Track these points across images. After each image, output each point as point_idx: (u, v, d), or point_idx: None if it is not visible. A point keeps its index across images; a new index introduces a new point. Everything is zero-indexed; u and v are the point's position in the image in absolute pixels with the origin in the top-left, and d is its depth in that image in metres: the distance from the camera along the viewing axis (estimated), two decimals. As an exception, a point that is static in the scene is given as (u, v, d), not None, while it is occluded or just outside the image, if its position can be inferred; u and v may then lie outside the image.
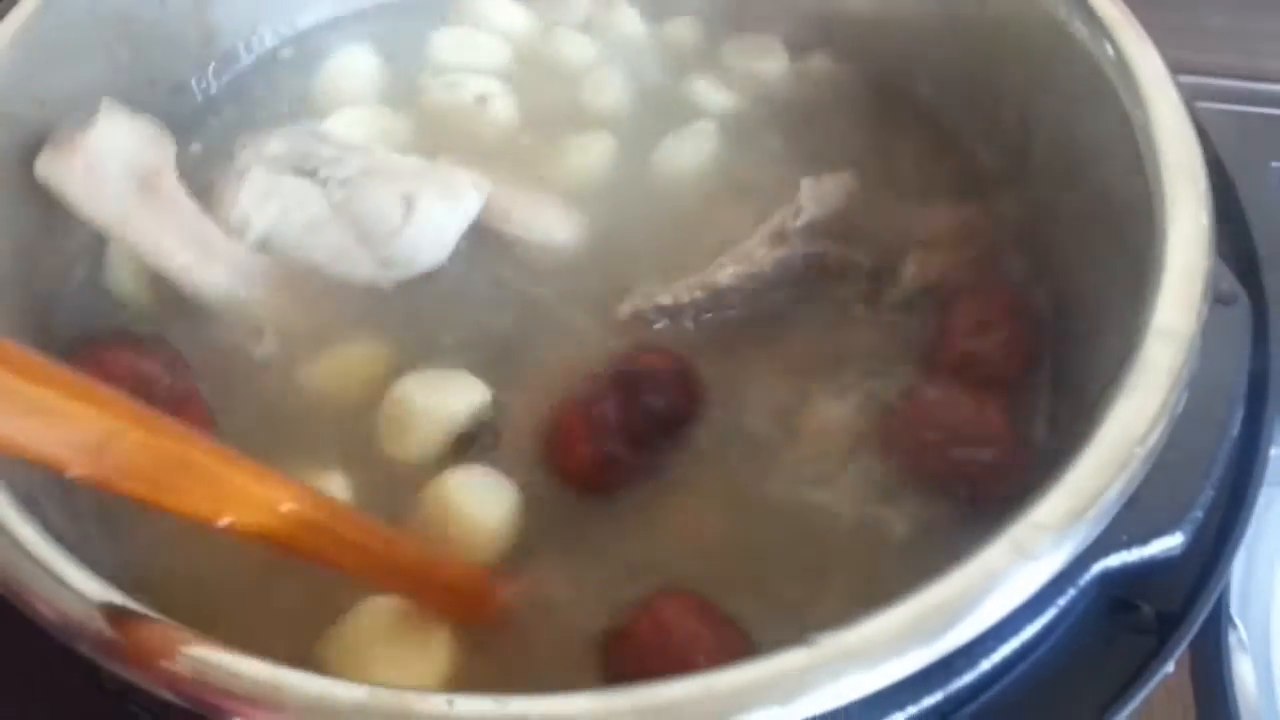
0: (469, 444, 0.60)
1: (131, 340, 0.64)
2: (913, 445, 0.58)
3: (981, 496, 0.56)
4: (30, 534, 0.46)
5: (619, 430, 0.57)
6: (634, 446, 0.58)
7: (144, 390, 0.55)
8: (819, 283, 0.63)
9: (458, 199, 0.67)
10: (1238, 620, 0.79)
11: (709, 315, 0.62)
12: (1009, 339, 0.62)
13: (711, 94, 0.78)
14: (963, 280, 0.64)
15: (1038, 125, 0.68)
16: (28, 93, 0.66)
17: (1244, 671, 0.77)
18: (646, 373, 0.59)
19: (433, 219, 0.67)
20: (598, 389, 0.58)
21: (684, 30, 0.82)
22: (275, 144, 0.69)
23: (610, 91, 0.78)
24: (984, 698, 0.48)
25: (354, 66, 0.80)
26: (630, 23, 0.82)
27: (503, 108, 0.76)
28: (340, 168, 0.68)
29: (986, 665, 0.45)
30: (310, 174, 0.68)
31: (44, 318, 0.66)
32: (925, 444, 0.58)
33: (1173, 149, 0.57)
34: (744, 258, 0.62)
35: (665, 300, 0.62)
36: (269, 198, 0.67)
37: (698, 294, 0.61)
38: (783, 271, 0.62)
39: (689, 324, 0.63)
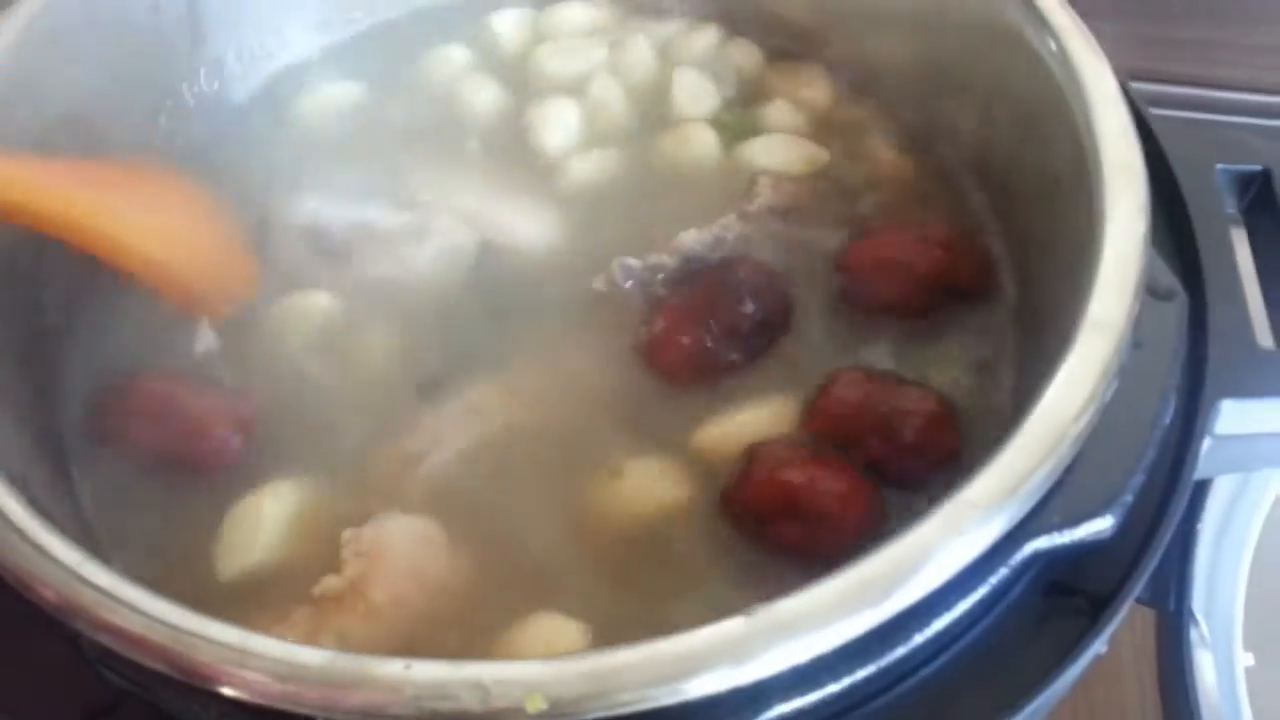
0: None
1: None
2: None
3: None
4: (15, 507, 0.49)
5: (718, 326, 0.64)
6: (730, 342, 0.64)
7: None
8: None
9: (453, 263, 0.72)
10: (1200, 616, 0.81)
11: (676, 278, 0.68)
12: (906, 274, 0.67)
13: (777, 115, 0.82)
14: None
15: (995, 121, 0.71)
16: (25, 96, 0.68)
17: (1205, 666, 0.79)
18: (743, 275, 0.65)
19: (431, 275, 0.72)
20: (695, 290, 0.65)
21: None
22: (291, 231, 0.73)
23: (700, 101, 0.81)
24: (923, 673, 0.50)
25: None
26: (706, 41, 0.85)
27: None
28: (351, 243, 0.73)
29: (920, 639, 0.47)
30: (327, 252, 0.73)
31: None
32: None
33: (1113, 147, 0.59)
34: (708, 229, 0.69)
35: (634, 263, 0.68)
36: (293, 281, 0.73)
37: (665, 258, 0.68)
38: (743, 244, 0.70)
39: (658, 288, 0.68)
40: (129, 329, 0.69)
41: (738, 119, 0.80)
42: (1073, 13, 0.66)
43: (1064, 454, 0.48)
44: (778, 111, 0.81)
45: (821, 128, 0.80)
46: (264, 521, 0.59)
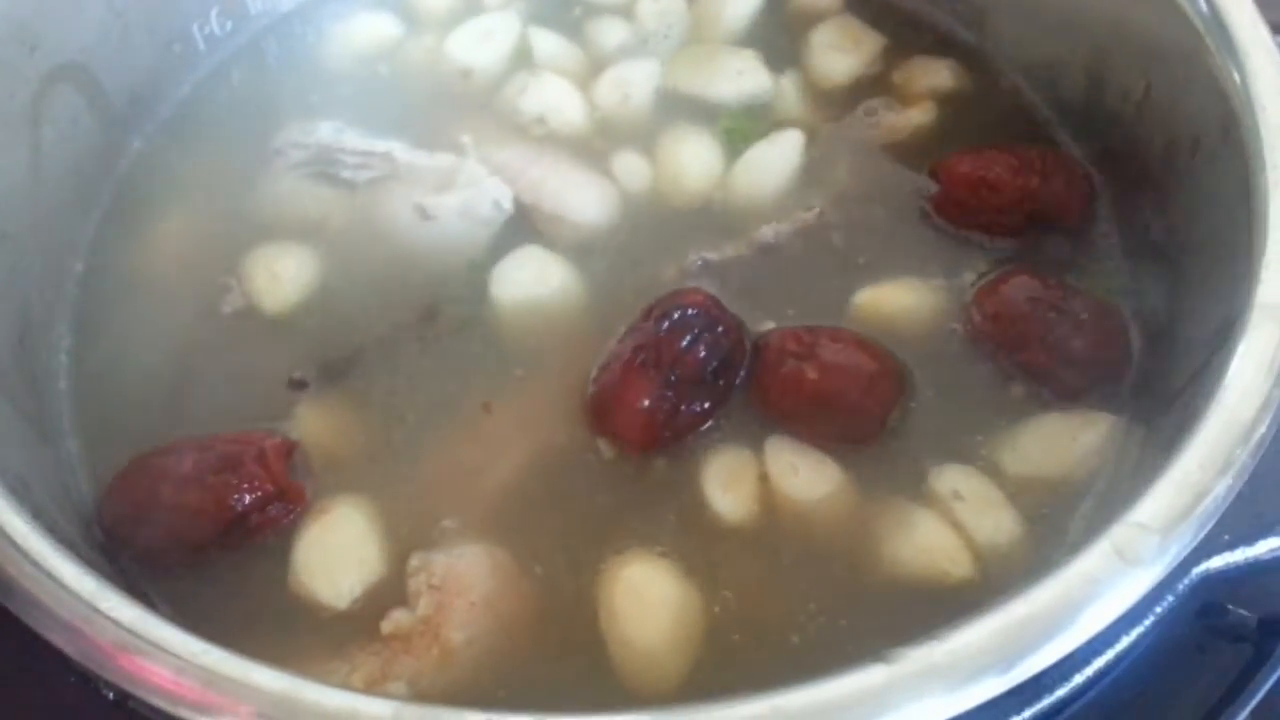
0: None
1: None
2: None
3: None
4: (21, 526, 0.42)
5: (674, 378, 0.55)
6: (689, 392, 0.55)
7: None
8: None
9: (479, 220, 0.65)
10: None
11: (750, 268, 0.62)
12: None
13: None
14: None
15: (1112, 75, 0.63)
16: (20, 38, 0.61)
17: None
18: (691, 310, 0.56)
19: (452, 231, 0.65)
20: (641, 339, 0.56)
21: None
22: (300, 153, 0.68)
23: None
24: (1070, 710, 0.44)
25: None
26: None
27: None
28: (363, 172, 0.67)
29: (1079, 679, 0.41)
30: (334, 178, 0.67)
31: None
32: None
33: (1272, 106, 0.52)
34: (787, 221, 0.64)
35: (711, 255, 0.63)
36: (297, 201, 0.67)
37: (743, 250, 0.63)
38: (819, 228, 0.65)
39: (732, 279, 0.62)
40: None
41: (743, 124, 0.70)
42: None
43: (1245, 463, 0.42)
44: (820, 64, 0.73)
45: (893, 85, 0.72)
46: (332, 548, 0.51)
